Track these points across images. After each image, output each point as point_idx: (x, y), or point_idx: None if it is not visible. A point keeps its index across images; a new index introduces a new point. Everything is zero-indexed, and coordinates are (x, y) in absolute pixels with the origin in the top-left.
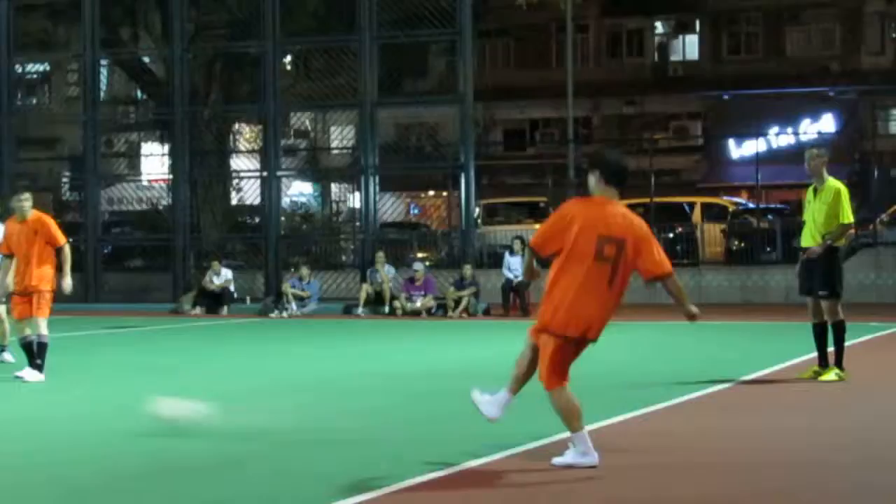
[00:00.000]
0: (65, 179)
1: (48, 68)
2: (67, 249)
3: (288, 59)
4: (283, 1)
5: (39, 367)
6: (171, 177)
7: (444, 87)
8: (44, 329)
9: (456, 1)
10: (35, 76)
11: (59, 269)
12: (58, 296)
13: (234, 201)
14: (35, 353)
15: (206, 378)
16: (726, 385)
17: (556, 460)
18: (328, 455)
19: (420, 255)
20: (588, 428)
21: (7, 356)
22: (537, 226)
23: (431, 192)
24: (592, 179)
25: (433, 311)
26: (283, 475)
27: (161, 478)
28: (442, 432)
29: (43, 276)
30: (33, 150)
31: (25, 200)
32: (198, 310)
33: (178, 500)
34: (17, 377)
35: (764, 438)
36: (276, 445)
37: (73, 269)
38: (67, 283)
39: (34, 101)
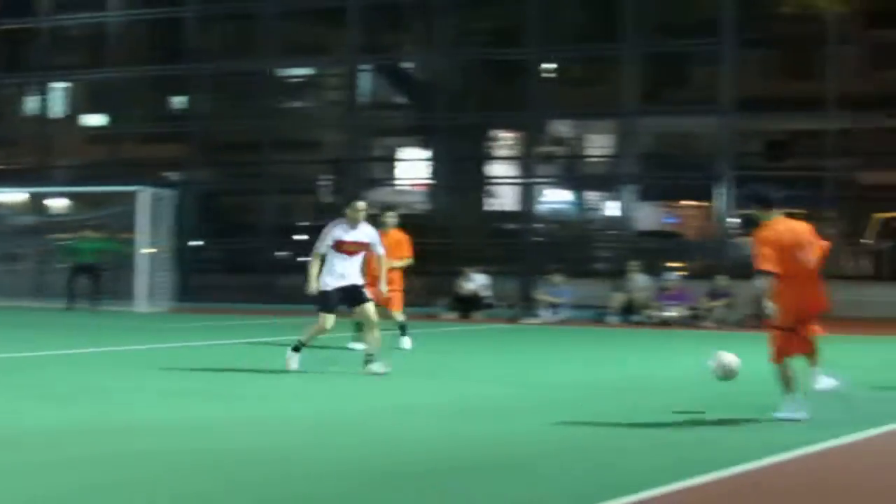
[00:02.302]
0: (324, 182)
1: (312, 72)
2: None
3: (548, 66)
4: (545, 9)
5: None
6: (430, 182)
7: (704, 96)
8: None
9: (718, 10)
10: (299, 80)
11: None
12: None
13: (491, 207)
14: None
15: (452, 381)
16: None
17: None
18: (563, 461)
19: (674, 264)
20: (839, 442)
21: None
22: None
23: (689, 202)
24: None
25: (686, 320)
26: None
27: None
28: (684, 441)
29: None
30: (294, 152)
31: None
32: (452, 314)
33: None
34: None
35: None
36: (519, 453)
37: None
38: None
39: (297, 104)
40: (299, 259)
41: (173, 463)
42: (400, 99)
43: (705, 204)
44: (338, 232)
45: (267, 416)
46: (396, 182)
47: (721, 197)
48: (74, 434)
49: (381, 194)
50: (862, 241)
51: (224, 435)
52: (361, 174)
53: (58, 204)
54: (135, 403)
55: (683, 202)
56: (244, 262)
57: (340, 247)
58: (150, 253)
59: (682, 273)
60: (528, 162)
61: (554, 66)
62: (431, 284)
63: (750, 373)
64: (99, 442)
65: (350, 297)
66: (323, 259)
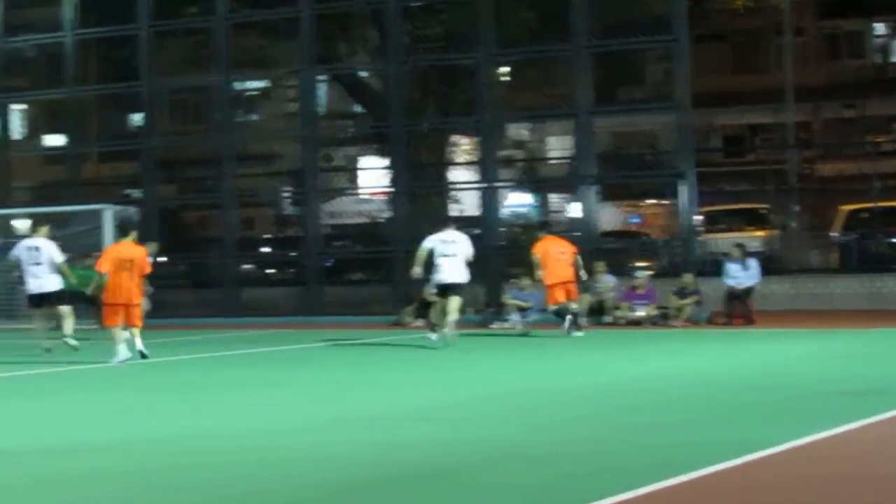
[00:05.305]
0: (285, 194)
1: (266, 85)
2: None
3: (503, 69)
4: (496, 12)
5: None
6: (391, 189)
7: (660, 93)
8: None
9: (671, 7)
10: (253, 93)
11: None
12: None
13: (452, 213)
14: None
15: (419, 390)
16: None
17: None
18: (536, 467)
19: (640, 263)
20: (810, 439)
21: None
22: (759, 233)
23: (651, 201)
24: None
25: (655, 320)
26: (488, 487)
27: (366, 491)
28: (651, 443)
29: None
30: (253, 165)
31: None
32: (420, 322)
33: None
34: None
35: None
36: (483, 457)
37: (294, 282)
38: None
39: (253, 117)
40: (268, 271)
41: (122, 483)
42: (356, 108)
43: (667, 202)
44: None
45: (227, 431)
46: (356, 191)
47: (683, 194)
48: (68, 454)
49: (341, 203)
50: (830, 233)
51: (175, 451)
52: (321, 185)
53: (21, 225)
54: (115, 420)
55: (646, 201)
56: (207, 276)
57: None
58: None
59: (648, 272)
60: (487, 166)
61: (507, 69)
62: (397, 292)
63: (722, 371)
64: (98, 459)
65: None
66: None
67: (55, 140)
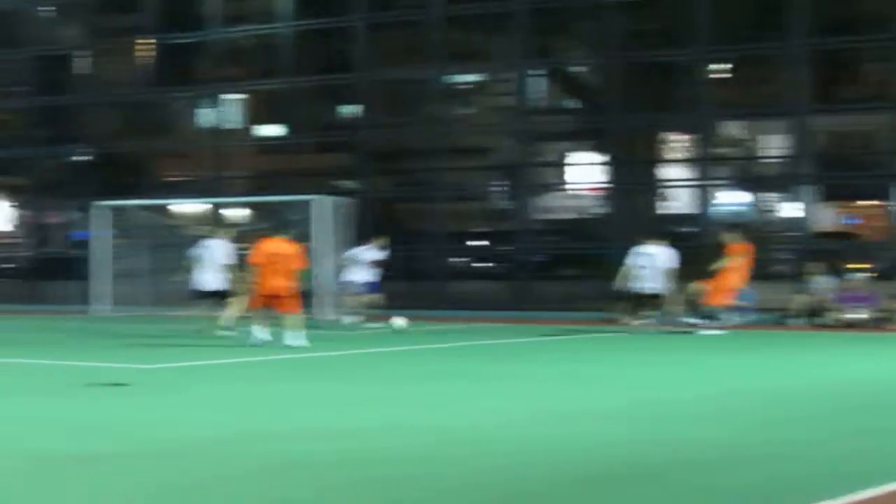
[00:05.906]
0: (495, 188)
1: (480, 78)
2: None
3: (719, 66)
4: (712, 9)
5: None
6: (610, 186)
7: (878, 93)
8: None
9: (889, 5)
10: (467, 86)
11: None
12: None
13: (662, 211)
14: None
15: (627, 386)
16: None
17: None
18: (747, 469)
19: (854, 265)
20: None
21: None
22: None
23: (869, 202)
24: None
25: (873, 323)
26: (699, 489)
27: (573, 488)
28: (870, 448)
29: None
30: (464, 159)
31: None
32: (628, 318)
33: None
34: None
35: None
36: (694, 458)
37: (504, 276)
38: None
39: (466, 110)
40: (477, 265)
41: (342, 470)
42: (569, 103)
43: (885, 203)
44: None
45: (438, 425)
46: (567, 186)
47: None
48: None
49: (553, 198)
50: None
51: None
52: (532, 179)
53: (234, 214)
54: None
55: (861, 202)
56: (418, 268)
57: None
58: (331, 262)
59: (867, 274)
60: (700, 164)
61: (723, 66)
62: (607, 288)
63: None
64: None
65: None
66: None
67: (269, 130)
